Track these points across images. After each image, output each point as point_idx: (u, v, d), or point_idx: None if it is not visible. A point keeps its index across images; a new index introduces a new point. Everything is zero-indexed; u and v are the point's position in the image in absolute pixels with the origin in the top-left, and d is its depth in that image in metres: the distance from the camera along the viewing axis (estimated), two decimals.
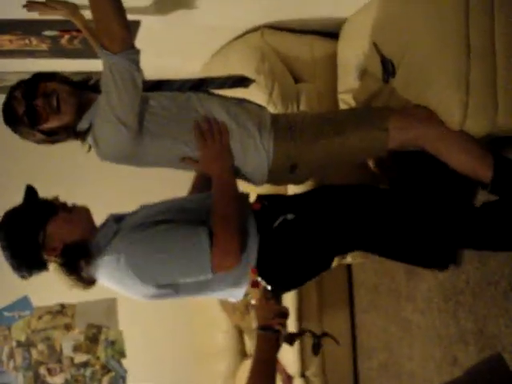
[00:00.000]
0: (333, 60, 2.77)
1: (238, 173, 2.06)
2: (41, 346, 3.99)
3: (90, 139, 2.02)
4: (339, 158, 2.08)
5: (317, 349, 1.93)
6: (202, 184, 2.21)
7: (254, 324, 1.80)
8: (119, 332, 4.10)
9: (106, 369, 4.08)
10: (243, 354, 3.78)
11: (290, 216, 1.96)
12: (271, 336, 1.76)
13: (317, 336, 1.93)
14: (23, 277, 1.95)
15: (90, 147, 2.06)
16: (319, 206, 2.02)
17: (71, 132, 2.03)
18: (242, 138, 2.00)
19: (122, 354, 4.11)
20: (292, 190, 2.60)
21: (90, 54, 2.92)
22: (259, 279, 1.84)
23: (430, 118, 2.02)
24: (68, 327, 4.04)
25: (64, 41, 2.91)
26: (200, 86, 2.09)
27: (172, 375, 4.13)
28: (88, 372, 4.04)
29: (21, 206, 1.96)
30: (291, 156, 2.02)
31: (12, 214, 1.94)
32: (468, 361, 2.67)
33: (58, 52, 3.03)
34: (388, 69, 2.19)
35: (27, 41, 2.86)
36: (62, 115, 1.96)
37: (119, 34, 1.82)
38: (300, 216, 1.97)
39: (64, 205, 1.95)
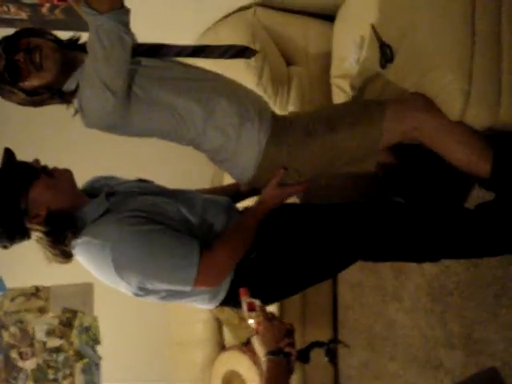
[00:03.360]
0: (327, 43, 2.66)
1: (224, 160, 1.93)
2: (13, 329, 3.88)
3: (76, 102, 1.88)
4: (331, 160, 1.93)
5: (333, 357, 1.78)
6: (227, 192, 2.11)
7: (262, 351, 1.59)
8: (94, 318, 4.00)
9: (79, 355, 3.98)
10: (221, 346, 3.69)
11: (253, 254, 1.83)
12: (283, 360, 1.55)
13: (326, 344, 1.78)
14: (4, 247, 1.79)
15: (76, 111, 1.92)
16: (284, 241, 1.88)
17: (56, 93, 1.89)
18: (241, 120, 1.86)
19: (97, 341, 4.01)
20: None
21: (73, 26, 2.76)
22: (253, 300, 1.64)
23: (428, 106, 1.90)
24: (42, 310, 3.92)
25: (45, 10, 2.76)
26: (199, 52, 1.96)
27: (147, 364, 4.03)
28: (61, 357, 3.94)
29: None
30: (282, 159, 1.89)
31: None
32: (453, 365, 2.58)
33: (38, 22, 2.86)
34: (386, 54, 2.07)
35: (5, 8, 2.70)
36: (45, 72, 1.83)
37: None
38: (263, 254, 1.85)
39: (45, 168, 1.79)
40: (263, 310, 1.64)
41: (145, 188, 1.93)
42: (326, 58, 2.62)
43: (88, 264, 1.79)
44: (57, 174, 1.79)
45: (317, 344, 1.78)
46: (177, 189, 1.98)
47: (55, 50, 1.85)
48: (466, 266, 2.47)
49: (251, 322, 1.63)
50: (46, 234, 1.75)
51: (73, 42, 1.98)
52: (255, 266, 1.83)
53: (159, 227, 1.71)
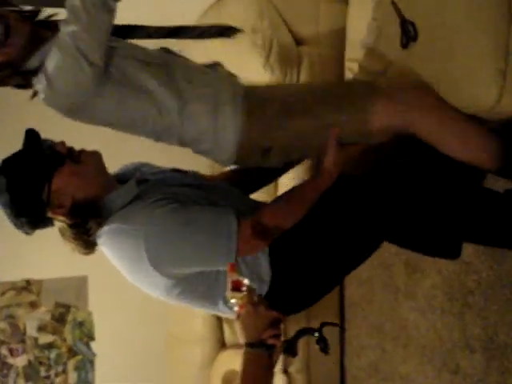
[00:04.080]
0: (340, 22, 2.47)
1: (207, 150, 1.81)
2: (3, 324, 3.76)
3: (37, 82, 1.70)
4: (315, 141, 1.78)
5: (325, 346, 1.54)
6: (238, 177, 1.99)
7: (241, 340, 1.39)
8: (89, 313, 3.89)
9: (72, 351, 3.87)
10: (221, 343, 3.57)
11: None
12: (264, 354, 1.37)
13: (316, 331, 1.56)
14: (27, 233, 1.71)
15: (34, 93, 1.75)
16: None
17: (17, 71, 1.71)
18: (215, 104, 1.74)
19: (91, 337, 3.90)
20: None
21: (45, 1, 2.59)
22: (241, 278, 1.43)
23: (424, 99, 1.75)
24: (33, 305, 3.81)
25: None
26: (176, 33, 1.84)
27: (144, 361, 3.90)
28: (53, 354, 3.84)
29: (21, 154, 1.66)
30: (264, 138, 1.78)
31: (11, 163, 1.64)
32: (472, 370, 2.42)
33: None
34: (408, 32, 1.89)
35: None
36: (9, 47, 1.66)
37: None
38: (294, 260, 1.74)
39: (71, 152, 1.67)
40: (250, 292, 1.41)
41: (179, 179, 1.80)
42: (339, 38, 2.45)
43: (113, 252, 1.68)
44: (83, 159, 1.68)
45: (305, 331, 1.58)
46: (214, 182, 1.89)
47: (22, 22, 1.69)
48: (488, 263, 2.30)
49: (233, 302, 1.42)
50: (70, 226, 1.67)
51: (35, 16, 1.80)
52: (289, 276, 1.72)
53: (192, 208, 1.64)
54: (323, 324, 1.57)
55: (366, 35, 2.20)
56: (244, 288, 1.40)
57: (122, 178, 1.76)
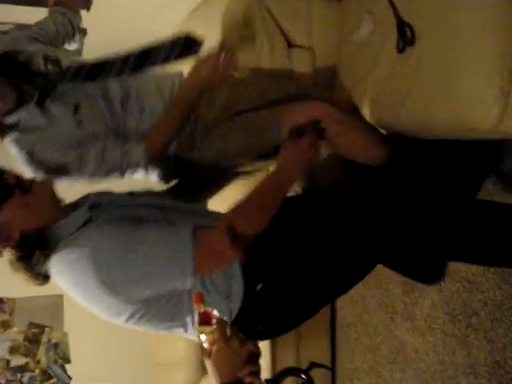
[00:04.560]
0: (335, 22, 2.34)
1: None
2: None
3: (12, 139, 1.82)
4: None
5: None
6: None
7: (214, 381, 1.22)
8: (64, 333, 3.80)
9: (46, 374, 3.75)
10: (205, 367, 3.35)
11: (259, 286, 1.61)
12: None
13: (304, 372, 1.48)
14: None
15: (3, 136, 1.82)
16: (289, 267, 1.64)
17: None
18: None
19: (67, 359, 3.78)
20: None
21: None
22: (209, 310, 1.26)
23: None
24: (5, 325, 3.73)
25: None
26: (143, 63, 1.87)
27: None
28: (26, 377, 3.72)
29: None
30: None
31: None
32: None
33: None
34: (405, 35, 1.76)
35: None
36: None
37: None
38: (271, 281, 1.62)
39: (20, 182, 1.59)
40: (220, 325, 1.25)
41: (133, 200, 1.76)
42: (334, 40, 2.31)
43: (65, 281, 1.58)
44: (34, 189, 1.60)
45: (291, 371, 1.51)
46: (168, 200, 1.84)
47: (10, 89, 1.75)
48: (495, 282, 2.13)
49: (203, 338, 1.25)
50: (18, 258, 1.60)
51: (17, 66, 1.82)
52: (263, 297, 1.58)
53: (144, 224, 1.56)
54: (311, 366, 1.49)
55: (360, 37, 2.06)
56: (214, 321, 1.24)
57: (77, 206, 1.70)
